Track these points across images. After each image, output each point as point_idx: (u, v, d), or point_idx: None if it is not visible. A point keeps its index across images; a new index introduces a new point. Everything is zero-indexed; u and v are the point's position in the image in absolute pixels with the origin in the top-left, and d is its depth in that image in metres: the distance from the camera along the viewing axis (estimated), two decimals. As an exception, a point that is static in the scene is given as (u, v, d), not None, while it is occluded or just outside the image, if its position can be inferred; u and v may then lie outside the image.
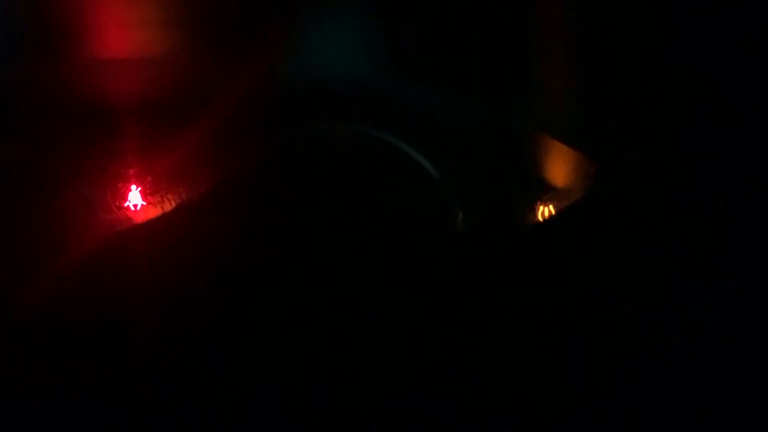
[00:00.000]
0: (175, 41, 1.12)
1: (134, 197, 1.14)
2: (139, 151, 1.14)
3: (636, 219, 1.02)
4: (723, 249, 0.99)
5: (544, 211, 1.11)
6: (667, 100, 1.00)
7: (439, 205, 1.15)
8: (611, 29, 0.99)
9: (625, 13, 0.97)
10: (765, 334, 0.95)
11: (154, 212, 1.15)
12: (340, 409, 0.99)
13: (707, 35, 0.98)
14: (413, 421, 0.97)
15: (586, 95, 1.04)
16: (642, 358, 0.98)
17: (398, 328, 1.08)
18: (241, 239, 1.11)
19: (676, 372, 0.97)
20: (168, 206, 1.15)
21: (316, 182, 1.15)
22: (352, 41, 1.09)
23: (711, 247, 1.00)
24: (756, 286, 0.97)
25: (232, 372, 1.03)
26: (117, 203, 1.14)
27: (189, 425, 0.99)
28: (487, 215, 1.12)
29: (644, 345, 0.99)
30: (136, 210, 1.15)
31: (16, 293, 1.08)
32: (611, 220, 1.04)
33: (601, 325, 1.00)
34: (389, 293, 1.10)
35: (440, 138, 1.13)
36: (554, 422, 0.96)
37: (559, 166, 1.10)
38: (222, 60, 1.13)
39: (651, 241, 1.01)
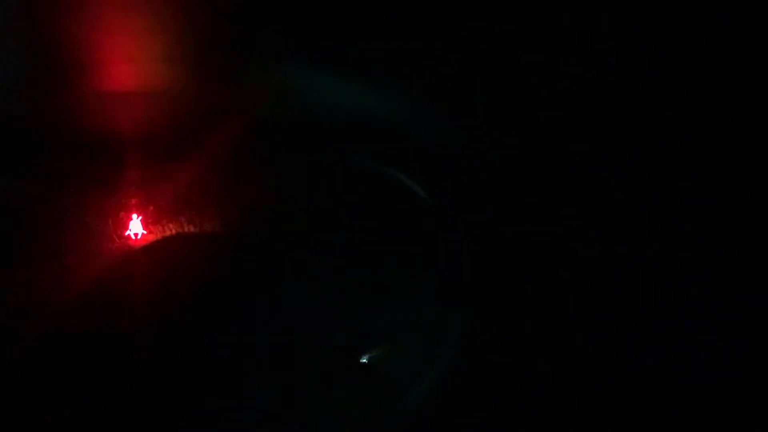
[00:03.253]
0: (178, 76, 1.15)
1: (135, 226, 1.17)
2: (141, 182, 1.17)
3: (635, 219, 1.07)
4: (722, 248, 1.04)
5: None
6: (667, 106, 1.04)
7: (433, 229, 1.19)
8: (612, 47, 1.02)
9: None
10: (765, 335, 0.99)
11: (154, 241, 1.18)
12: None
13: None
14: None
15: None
16: (639, 362, 1.02)
17: (396, 343, 1.12)
18: (242, 265, 1.15)
19: (673, 374, 1.01)
20: (169, 235, 1.18)
21: (315, 210, 1.19)
22: (352, 73, 1.13)
23: (710, 246, 1.04)
24: (756, 286, 1.01)
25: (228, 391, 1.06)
26: (118, 232, 1.16)
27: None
28: (481, 233, 1.17)
29: (641, 349, 1.03)
30: (137, 239, 1.17)
31: (18, 322, 1.09)
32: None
33: (598, 328, 1.04)
34: (384, 315, 1.14)
35: (431, 161, 1.17)
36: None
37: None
38: (224, 94, 1.17)
39: (651, 241, 1.06)
